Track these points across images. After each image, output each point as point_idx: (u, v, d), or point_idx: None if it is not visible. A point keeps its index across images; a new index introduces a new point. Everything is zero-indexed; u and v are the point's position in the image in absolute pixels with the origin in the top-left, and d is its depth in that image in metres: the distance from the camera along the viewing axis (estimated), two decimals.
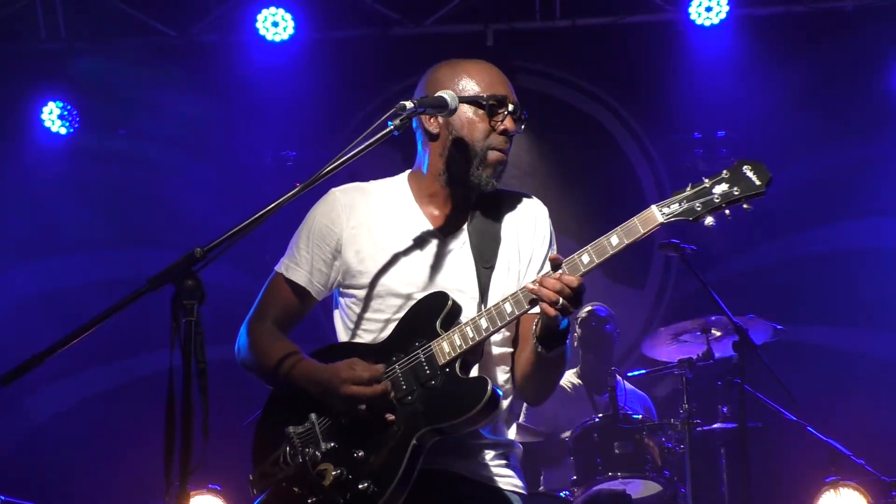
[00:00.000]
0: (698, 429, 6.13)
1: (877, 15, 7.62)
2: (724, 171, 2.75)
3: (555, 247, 3.10)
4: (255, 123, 8.00)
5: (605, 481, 6.10)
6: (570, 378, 7.07)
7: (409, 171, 3.13)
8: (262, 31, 7.75)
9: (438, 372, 2.81)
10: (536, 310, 2.75)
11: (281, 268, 3.07)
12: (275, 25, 7.75)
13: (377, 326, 2.97)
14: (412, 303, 2.92)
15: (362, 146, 2.71)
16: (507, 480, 2.98)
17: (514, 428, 3.06)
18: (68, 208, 7.96)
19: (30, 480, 7.55)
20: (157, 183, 7.95)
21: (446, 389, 2.79)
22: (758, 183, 2.70)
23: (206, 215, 7.19)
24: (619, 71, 8.09)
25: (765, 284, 7.64)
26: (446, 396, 2.78)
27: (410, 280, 2.95)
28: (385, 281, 2.95)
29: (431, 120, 2.99)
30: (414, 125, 3.03)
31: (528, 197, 3.14)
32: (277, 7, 7.73)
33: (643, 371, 6.76)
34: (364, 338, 2.99)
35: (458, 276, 2.96)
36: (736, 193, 2.70)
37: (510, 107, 2.96)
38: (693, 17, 7.60)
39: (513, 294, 2.80)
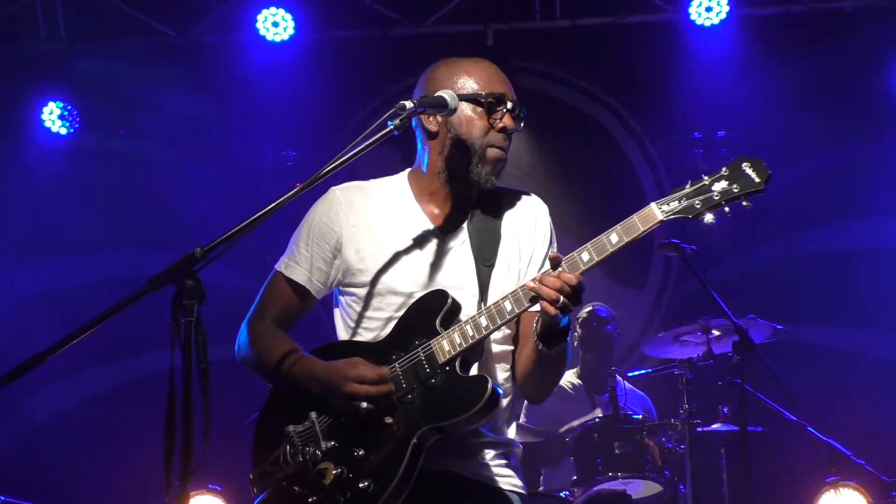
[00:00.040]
0: (698, 429, 6.13)
1: (877, 15, 7.62)
2: (724, 169, 2.75)
3: (555, 244, 3.10)
4: (255, 123, 8.00)
5: (605, 481, 6.09)
6: (569, 378, 7.07)
7: (408, 170, 3.13)
8: (262, 32, 7.76)
9: (438, 370, 2.81)
10: (537, 307, 2.75)
11: (281, 266, 3.07)
12: (275, 25, 7.75)
13: (377, 325, 2.97)
14: (412, 301, 2.92)
15: (362, 146, 2.72)
16: (507, 480, 2.98)
17: (513, 427, 3.06)
18: (68, 208, 7.96)
19: (30, 480, 7.56)
20: (157, 183, 7.95)
21: (446, 388, 2.79)
22: (757, 180, 2.70)
23: (206, 215, 7.19)
24: (619, 71, 8.09)
25: (765, 284, 7.64)
26: (446, 395, 2.78)
27: (410, 278, 2.95)
28: (385, 279, 2.96)
29: (430, 118, 3.00)
30: (413, 124, 3.03)
31: (528, 195, 3.14)
32: (277, 7, 7.73)
33: (643, 371, 6.76)
34: (364, 336, 2.99)
35: (457, 274, 2.96)
36: (735, 191, 2.70)
37: (509, 104, 2.97)
38: (693, 17, 7.60)
39: (512, 292, 2.80)
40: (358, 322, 3.00)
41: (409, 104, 2.76)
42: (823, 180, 7.61)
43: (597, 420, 6.27)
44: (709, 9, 7.56)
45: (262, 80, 7.87)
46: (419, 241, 2.98)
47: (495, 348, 2.98)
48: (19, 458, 7.74)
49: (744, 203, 2.71)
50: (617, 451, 6.14)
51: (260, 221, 2.60)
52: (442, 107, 2.85)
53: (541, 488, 6.80)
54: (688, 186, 2.74)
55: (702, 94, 7.72)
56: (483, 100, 2.95)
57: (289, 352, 2.95)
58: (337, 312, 3.10)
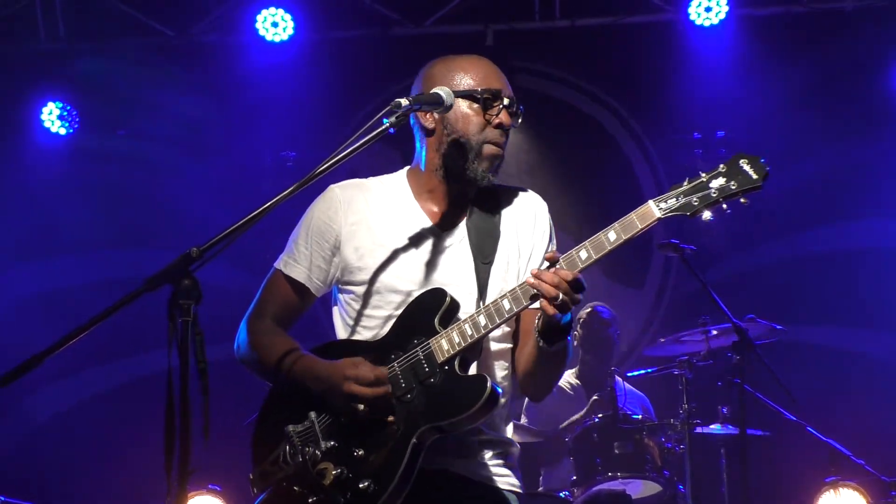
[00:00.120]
0: (698, 429, 6.13)
1: (877, 15, 7.62)
2: (721, 166, 2.74)
3: (555, 242, 3.10)
4: (254, 123, 8.00)
5: (605, 481, 6.09)
6: (568, 378, 7.06)
7: (407, 168, 3.13)
8: (261, 32, 7.76)
9: (437, 370, 2.81)
10: (536, 305, 2.75)
11: (280, 264, 3.07)
12: (274, 26, 7.76)
13: (376, 323, 2.97)
14: (411, 299, 2.92)
15: (358, 143, 2.71)
16: (505, 480, 2.98)
17: (511, 426, 3.06)
18: (68, 208, 7.96)
19: (30, 480, 7.55)
20: (157, 183, 7.95)
21: (445, 387, 2.79)
22: (755, 177, 2.69)
23: (206, 215, 7.18)
24: (619, 71, 8.08)
25: (765, 284, 7.64)
26: (445, 394, 2.78)
27: (409, 276, 2.95)
28: (384, 277, 2.96)
29: (427, 116, 3.00)
30: (411, 122, 3.04)
31: (527, 192, 3.14)
32: (277, 7, 7.73)
33: (643, 371, 6.76)
34: (363, 334, 2.99)
35: (456, 271, 2.96)
36: (733, 188, 2.69)
37: (505, 101, 2.96)
38: (693, 17, 7.60)
39: (511, 291, 2.80)
40: (357, 320, 3.00)
41: (404, 101, 2.76)
42: (823, 180, 7.61)
43: (596, 420, 6.27)
44: (708, 9, 7.57)
45: (262, 80, 7.87)
46: (418, 239, 2.98)
47: (494, 346, 2.98)
48: (19, 458, 7.74)
49: (742, 200, 2.70)
50: (616, 451, 6.14)
51: (256, 220, 2.59)
52: (437, 103, 2.85)
53: (540, 488, 6.80)
54: (685, 184, 2.73)
55: (701, 94, 7.72)
56: (479, 96, 2.95)
57: (288, 350, 2.94)
58: (336, 311, 3.10)
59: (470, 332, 2.80)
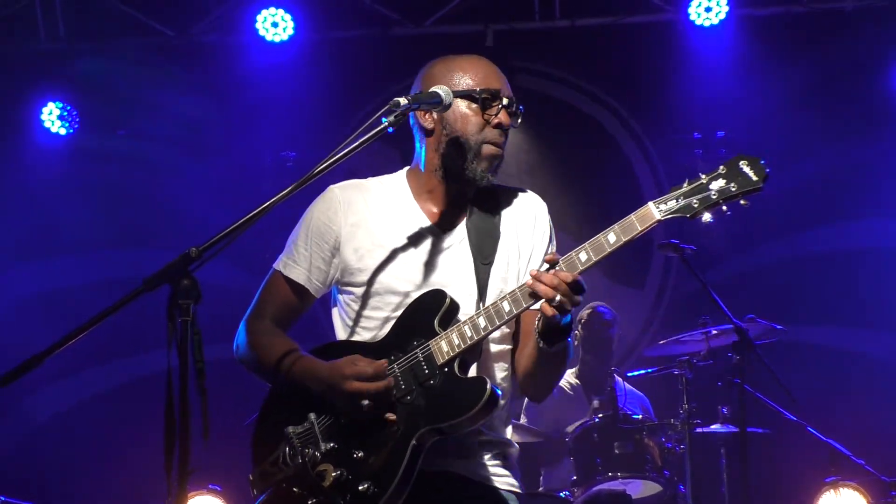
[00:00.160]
0: (698, 429, 6.13)
1: (877, 15, 7.62)
2: (721, 167, 2.73)
3: (554, 242, 3.10)
4: (254, 123, 8.00)
5: (605, 481, 6.09)
6: (568, 378, 7.06)
7: (407, 168, 3.13)
8: (261, 32, 7.75)
9: (437, 371, 2.81)
10: (536, 306, 2.75)
11: (279, 265, 3.07)
12: (274, 26, 7.75)
13: (376, 324, 2.97)
14: (410, 300, 2.92)
15: (357, 143, 2.71)
16: (504, 480, 2.98)
17: (510, 427, 3.06)
18: (68, 208, 7.96)
19: (30, 480, 7.56)
20: (157, 183, 7.95)
21: (445, 389, 2.79)
22: (755, 179, 2.67)
23: (205, 215, 7.19)
24: (619, 71, 8.08)
25: (765, 284, 7.64)
26: (445, 396, 2.78)
27: (409, 277, 2.94)
28: (383, 278, 2.95)
29: (426, 116, 2.99)
30: (411, 122, 3.04)
31: (527, 193, 3.13)
32: (277, 7, 7.73)
33: (643, 371, 6.76)
34: (363, 335, 2.99)
35: (456, 272, 2.96)
36: (733, 190, 2.68)
37: (504, 100, 2.96)
38: (693, 17, 7.60)
39: (511, 292, 2.79)
40: (356, 321, 3.00)
41: (403, 100, 2.75)
42: (823, 180, 7.61)
43: (596, 420, 6.27)
44: (708, 9, 7.56)
45: (262, 80, 7.87)
46: (417, 240, 2.98)
47: (494, 348, 2.98)
48: (19, 458, 7.74)
49: (742, 202, 2.69)
50: (617, 451, 6.14)
51: (255, 220, 2.59)
52: (436, 102, 2.84)
53: (540, 488, 6.80)
54: (685, 185, 2.71)
55: (701, 94, 7.72)
56: (478, 96, 2.94)
57: (288, 351, 2.94)
58: (335, 311, 3.10)
59: (469, 334, 2.80)
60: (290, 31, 7.76)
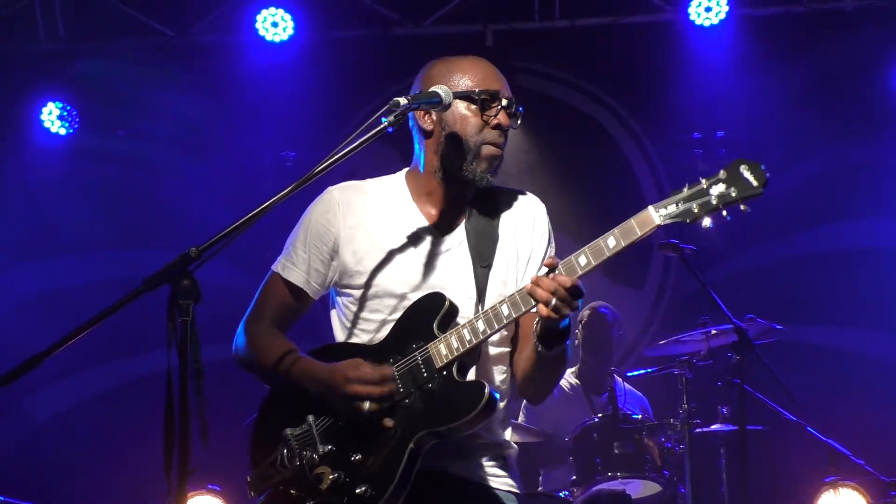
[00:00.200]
0: (698, 429, 6.13)
1: (877, 15, 7.61)
2: (721, 172, 2.68)
3: (553, 245, 3.09)
4: (254, 123, 8.00)
5: (604, 481, 6.09)
6: (567, 378, 7.05)
7: (406, 170, 3.12)
8: (261, 32, 7.75)
9: (436, 375, 2.80)
10: (535, 310, 2.75)
11: (278, 267, 3.06)
12: (274, 26, 7.75)
13: (374, 326, 2.96)
14: (409, 303, 2.91)
15: (356, 143, 2.71)
16: (503, 480, 2.98)
17: (509, 428, 3.07)
18: (68, 208, 7.96)
19: (30, 480, 7.56)
20: (157, 183, 7.95)
21: (443, 393, 2.79)
22: (755, 184, 2.62)
23: (205, 215, 7.19)
24: (619, 71, 8.08)
25: (764, 284, 7.64)
26: (443, 400, 2.78)
27: (407, 280, 2.94)
28: (382, 281, 2.95)
29: (426, 116, 2.99)
30: (410, 123, 3.03)
31: (526, 195, 3.13)
32: (277, 7, 7.73)
33: (642, 371, 6.76)
34: (361, 337, 2.98)
35: (455, 275, 2.95)
36: (733, 195, 2.62)
37: (503, 101, 2.95)
38: (693, 17, 7.59)
39: (510, 296, 2.78)
40: (355, 323, 3.00)
41: (402, 100, 2.75)
42: (823, 180, 7.61)
43: (596, 420, 6.27)
44: (708, 9, 7.56)
45: (262, 80, 7.87)
46: (416, 242, 2.97)
47: (492, 350, 2.98)
48: (19, 458, 7.74)
49: (742, 207, 2.66)
50: (616, 451, 6.13)
51: (254, 220, 2.59)
52: (436, 102, 2.83)
53: (540, 488, 6.80)
54: (685, 190, 2.66)
55: (701, 94, 7.72)
56: (477, 97, 2.94)
57: (286, 353, 2.94)
58: (334, 313, 3.10)
59: (468, 338, 2.80)
60: (290, 31, 7.76)
